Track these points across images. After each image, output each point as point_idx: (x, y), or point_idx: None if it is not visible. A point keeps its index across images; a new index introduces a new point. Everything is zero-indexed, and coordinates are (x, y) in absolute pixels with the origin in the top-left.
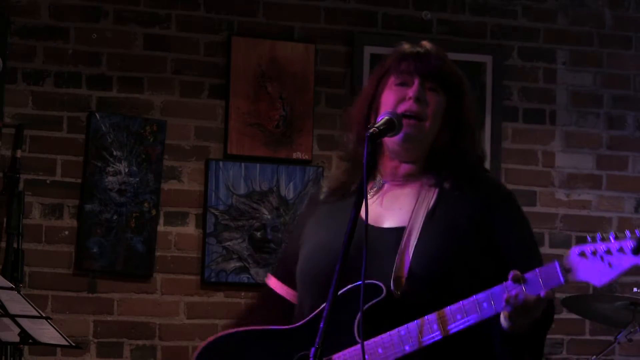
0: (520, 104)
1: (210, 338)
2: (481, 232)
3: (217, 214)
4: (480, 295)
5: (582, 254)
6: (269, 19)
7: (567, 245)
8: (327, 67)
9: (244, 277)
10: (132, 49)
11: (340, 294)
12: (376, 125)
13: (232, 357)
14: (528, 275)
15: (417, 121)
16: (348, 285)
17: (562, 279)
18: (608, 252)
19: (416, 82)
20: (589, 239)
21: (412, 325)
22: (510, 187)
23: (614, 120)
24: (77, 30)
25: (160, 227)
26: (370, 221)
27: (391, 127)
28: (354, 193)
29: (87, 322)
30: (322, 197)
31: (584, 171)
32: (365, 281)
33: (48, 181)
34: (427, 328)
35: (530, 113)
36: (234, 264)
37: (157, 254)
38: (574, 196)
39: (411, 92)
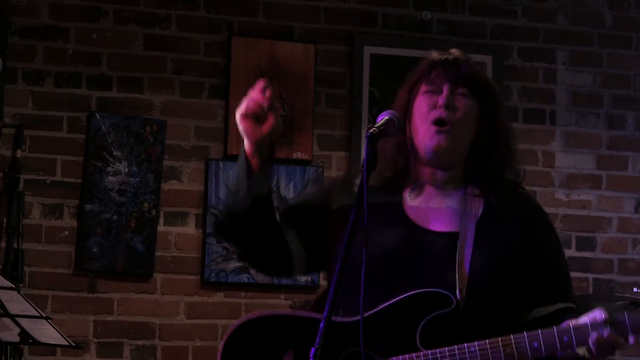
0: (520, 104)
1: (251, 315)
2: (525, 250)
3: (217, 214)
4: (562, 328)
5: None
6: (269, 19)
7: (567, 245)
8: (327, 67)
9: (244, 277)
10: (132, 49)
11: (407, 296)
12: (376, 125)
13: (272, 340)
14: (618, 317)
15: (447, 132)
16: (407, 288)
17: None
18: None
19: (445, 88)
20: None
21: (482, 343)
22: None
23: (614, 120)
24: (77, 30)
25: (160, 227)
26: (417, 220)
27: (391, 126)
28: (388, 192)
29: (87, 322)
30: (355, 179)
31: (584, 171)
32: (436, 290)
33: (48, 181)
34: (499, 349)
35: (530, 113)
36: (234, 264)
37: (157, 254)
38: (574, 196)
39: (441, 99)
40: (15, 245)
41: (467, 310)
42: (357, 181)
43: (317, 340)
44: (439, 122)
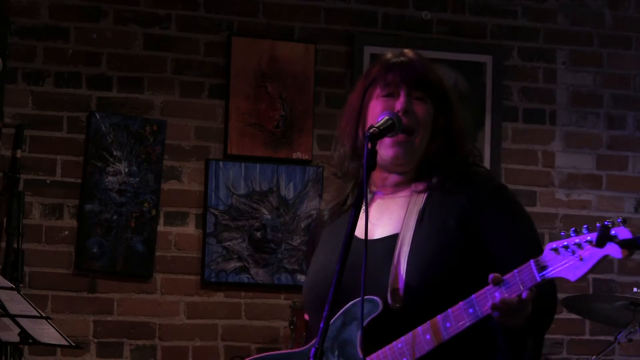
0: (520, 104)
1: None
2: (470, 230)
3: (217, 214)
4: (466, 301)
5: (555, 250)
6: (269, 19)
7: None
8: (327, 67)
9: (244, 277)
10: (132, 49)
11: (342, 312)
12: (376, 126)
13: None
14: (506, 277)
15: (407, 136)
16: (347, 302)
17: (538, 277)
18: (579, 245)
19: (403, 93)
20: (562, 233)
21: (408, 337)
22: (510, 187)
23: (614, 120)
24: (77, 30)
25: (160, 227)
26: (362, 235)
27: (391, 126)
28: (349, 208)
29: (87, 322)
30: (324, 219)
31: (584, 171)
32: (364, 297)
33: (48, 181)
34: (421, 339)
35: (530, 113)
36: (234, 264)
37: (157, 254)
38: (574, 196)
39: (399, 104)
40: (15, 245)
41: (405, 309)
42: (324, 213)
43: (317, 340)
44: (405, 130)
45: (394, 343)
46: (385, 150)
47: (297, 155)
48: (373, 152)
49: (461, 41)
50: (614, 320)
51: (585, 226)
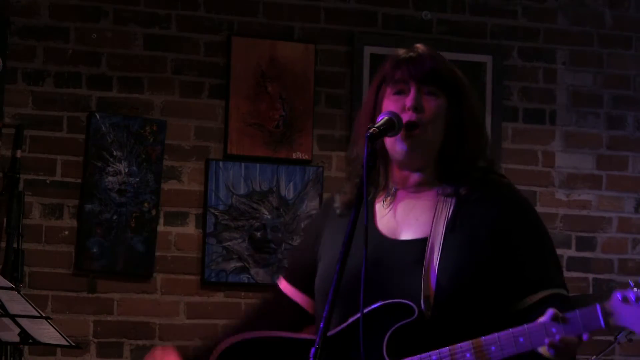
0: (520, 104)
1: (229, 341)
2: (500, 244)
3: (217, 214)
4: (517, 330)
5: (625, 300)
6: (269, 19)
7: (567, 245)
8: (327, 67)
9: (244, 277)
10: (132, 49)
11: (369, 311)
12: (376, 125)
13: None
14: (569, 315)
15: (419, 131)
16: (374, 301)
17: (602, 323)
18: None
19: (412, 89)
20: (631, 284)
21: (445, 351)
22: None
23: (614, 120)
24: (77, 30)
25: (160, 227)
26: (387, 233)
27: (391, 126)
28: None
29: (87, 322)
30: (337, 211)
31: (584, 171)
32: (397, 300)
33: (48, 181)
34: (460, 356)
35: (530, 113)
36: (234, 264)
37: (157, 254)
38: (574, 196)
39: (409, 101)
40: (15, 245)
41: (436, 318)
42: (336, 204)
43: (317, 340)
44: (409, 126)
45: (427, 354)
46: (395, 145)
47: (297, 155)
48: (373, 152)
49: (461, 41)
50: None
51: None
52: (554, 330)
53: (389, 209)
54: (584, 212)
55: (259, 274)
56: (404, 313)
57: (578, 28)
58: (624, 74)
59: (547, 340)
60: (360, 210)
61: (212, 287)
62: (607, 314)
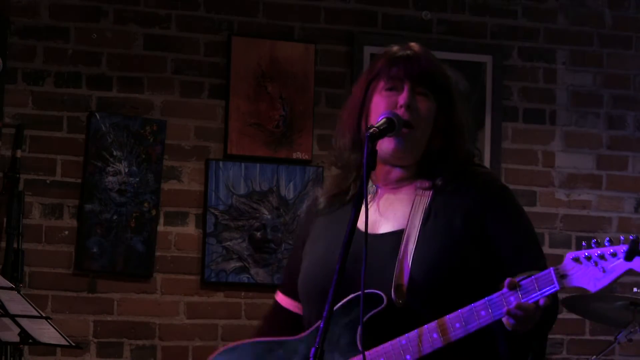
0: (520, 104)
1: (217, 351)
2: (476, 230)
3: (217, 214)
4: (478, 304)
5: (577, 260)
6: (269, 19)
7: (567, 245)
8: (327, 67)
9: (244, 277)
10: (132, 49)
11: (342, 304)
12: (376, 125)
13: None
14: (524, 282)
15: (409, 130)
16: (349, 295)
17: (557, 285)
18: (602, 257)
19: (406, 88)
20: (584, 244)
21: (413, 334)
22: (510, 187)
23: (614, 120)
24: (77, 30)
25: (160, 227)
26: (363, 228)
27: (391, 126)
28: (351, 201)
29: (87, 322)
30: (320, 207)
31: (584, 171)
32: (365, 291)
33: (48, 181)
34: (427, 337)
35: (530, 113)
36: (234, 264)
37: (157, 254)
38: (574, 196)
39: (402, 99)
40: (15, 245)
41: (409, 306)
42: (319, 201)
43: (317, 340)
44: (404, 125)
45: (397, 339)
46: (386, 143)
47: (297, 155)
48: (373, 152)
49: (461, 41)
50: (614, 320)
51: (607, 239)
52: (512, 299)
53: (370, 206)
54: (584, 212)
55: (259, 274)
56: (374, 303)
57: (578, 28)
58: (624, 74)
59: (504, 308)
60: (360, 210)
61: (212, 287)
62: (560, 276)
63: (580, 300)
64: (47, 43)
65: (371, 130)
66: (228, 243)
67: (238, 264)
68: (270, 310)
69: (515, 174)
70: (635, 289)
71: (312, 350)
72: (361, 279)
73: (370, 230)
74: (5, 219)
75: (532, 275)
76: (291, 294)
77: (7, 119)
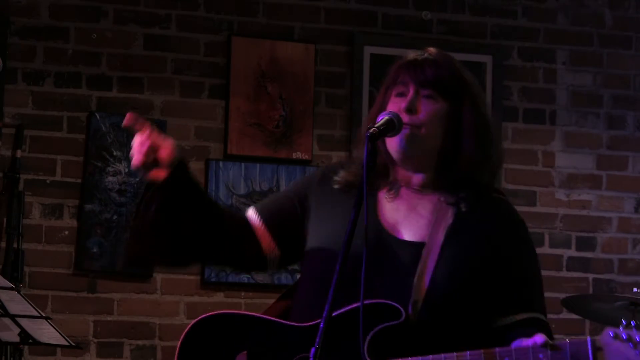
0: (520, 104)
1: (206, 315)
2: (492, 257)
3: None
4: (503, 349)
5: (617, 337)
6: (269, 19)
7: (567, 245)
8: (327, 67)
9: (244, 277)
10: (132, 49)
11: (354, 308)
12: (376, 125)
13: (228, 339)
14: (559, 343)
15: (410, 129)
16: (368, 297)
17: (591, 356)
18: None
19: (411, 91)
20: (623, 322)
21: (427, 359)
22: (510, 187)
23: (614, 120)
24: (77, 30)
25: None
26: (387, 227)
27: (391, 126)
28: (367, 195)
29: (87, 322)
30: (336, 185)
31: (584, 171)
32: (386, 301)
33: (48, 181)
34: None
35: (530, 113)
36: None
37: None
38: (574, 196)
39: (403, 103)
40: (15, 245)
41: (422, 324)
42: (337, 177)
43: (317, 340)
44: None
45: (409, 359)
46: (391, 143)
47: (297, 155)
48: (373, 152)
49: (461, 41)
50: (614, 320)
51: None
52: (540, 356)
53: (392, 203)
54: (584, 212)
55: (259, 274)
56: (391, 315)
57: (578, 28)
58: (624, 74)
59: (529, 357)
60: (360, 210)
61: (212, 287)
62: (596, 349)
63: (580, 300)
64: (47, 43)
65: (371, 130)
66: None
67: None
68: (235, 221)
69: (515, 174)
70: (635, 289)
71: (312, 350)
72: (361, 279)
73: (390, 230)
74: (5, 219)
75: (567, 340)
76: (264, 217)
77: (7, 119)
